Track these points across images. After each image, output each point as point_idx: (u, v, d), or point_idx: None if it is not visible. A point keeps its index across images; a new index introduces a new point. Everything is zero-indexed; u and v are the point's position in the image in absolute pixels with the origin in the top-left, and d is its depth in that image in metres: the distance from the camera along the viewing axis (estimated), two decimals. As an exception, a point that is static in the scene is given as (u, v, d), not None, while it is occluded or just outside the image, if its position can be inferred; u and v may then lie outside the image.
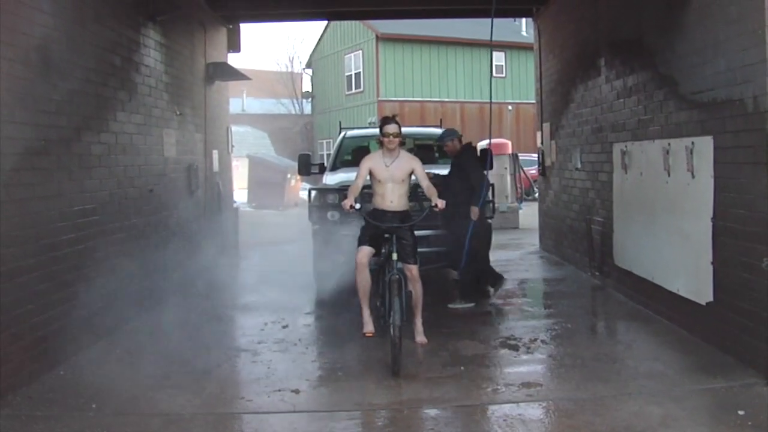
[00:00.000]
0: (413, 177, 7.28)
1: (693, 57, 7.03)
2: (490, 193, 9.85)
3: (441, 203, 7.06)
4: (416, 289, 7.14)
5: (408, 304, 6.92)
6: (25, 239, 6.17)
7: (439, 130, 12.10)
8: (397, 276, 6.75)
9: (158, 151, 9.64)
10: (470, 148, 9.52)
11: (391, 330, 6.52)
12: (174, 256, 10.04)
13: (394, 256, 6.83)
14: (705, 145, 6.76)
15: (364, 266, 7.04)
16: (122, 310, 8.07)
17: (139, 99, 8.96)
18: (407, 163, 7.20)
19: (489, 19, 8.56)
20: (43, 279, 6.43)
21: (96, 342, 7.39)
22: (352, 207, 7.02)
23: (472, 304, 9.08)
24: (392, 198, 7.16)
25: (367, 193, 7.54)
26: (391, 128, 7.13)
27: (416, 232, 7.28)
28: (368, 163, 7.23)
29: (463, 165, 9.14)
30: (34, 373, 6.23)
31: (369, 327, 7.14)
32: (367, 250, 7.05)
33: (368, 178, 7.26)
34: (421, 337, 7.26)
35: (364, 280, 7.07)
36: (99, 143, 7.74)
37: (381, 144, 7.23)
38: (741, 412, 5.24)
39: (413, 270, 7.04)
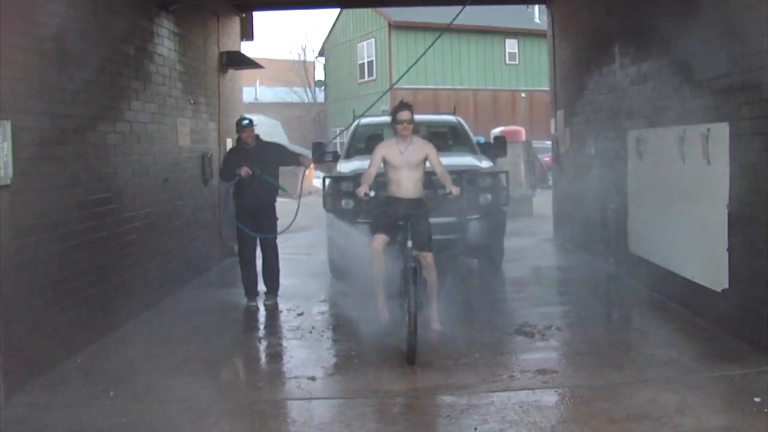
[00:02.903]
0: (428, 164, 7.26)
1: (709, 43, 6.97)
2: (504, 181, 9.82)
3: (456, 190, 7.03)
4: (432, 276, 7.13)
5: (424, 292, 6.92)
6: (43, 228, 6.21)
7: (452, 117, 12.10)
8: (413, 264, 6.73)
9: (172, 140, 9.67)
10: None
11: (407, 318, 6.51)
12: (189, 244, 10.10)
13: (409, 243, 6.82)
14: (721, 131, 6.72)
15: (379, 254, 7.04)
16: (139, 299, 8.14)
17: (154, 88, 8.98)
18: (421, 149, 7.16)
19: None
20: (60, 268, 6.48)
21: (113, 330, 7.45)
22: (366, 195, 7.01)
23: (253, 303, 8.84)
24: (407, 185, 7.12)
25: (381, 180, 7.53)
26: (404, 115, 7.08)
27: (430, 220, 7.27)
28: (382, 150, 7.19)
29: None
30: (52, 361, 6.28)
31: (384, 314, 7.17)
32: (382, 238, 7.05)
33: (382, 166, 7.25)
34: (436, 325, 7.23)
35: (379, 268, 7.08)
36: (114, 132, 7.77)
37: (394, 131, 7.21)
38: (757, 399, 5.24)
39: (428, 258, 7.03)
